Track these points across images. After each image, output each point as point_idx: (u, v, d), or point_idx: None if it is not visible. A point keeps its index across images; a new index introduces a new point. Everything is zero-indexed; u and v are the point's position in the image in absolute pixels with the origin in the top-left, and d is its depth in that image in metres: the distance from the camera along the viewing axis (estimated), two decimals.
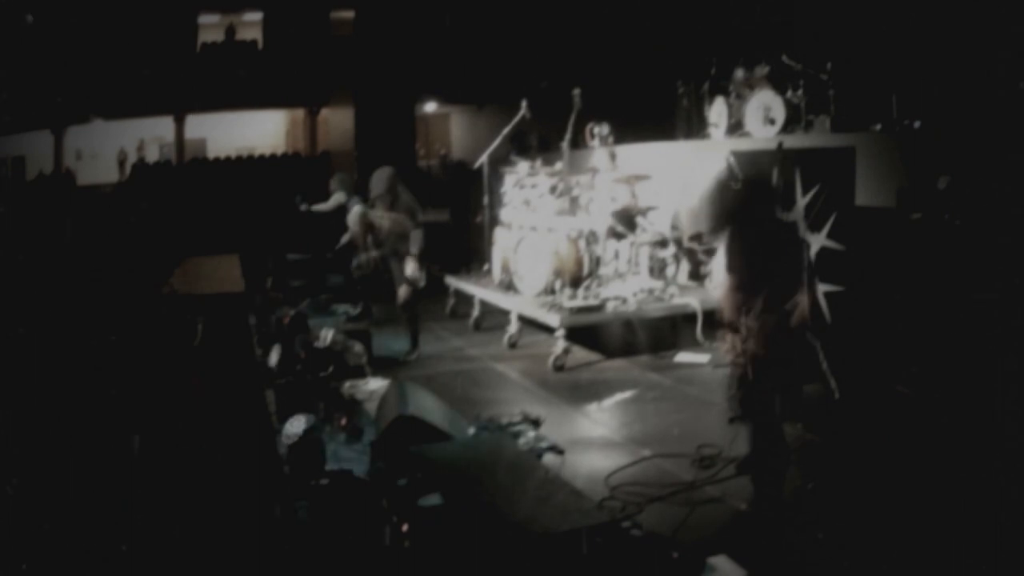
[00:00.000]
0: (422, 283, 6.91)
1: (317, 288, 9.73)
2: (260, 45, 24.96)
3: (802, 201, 5.46)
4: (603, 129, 7.63)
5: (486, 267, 8.58)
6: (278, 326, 6.44)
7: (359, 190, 9.21)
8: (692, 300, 6.98)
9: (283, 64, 23.30)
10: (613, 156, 7.61)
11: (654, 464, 4.47)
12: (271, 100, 24.22)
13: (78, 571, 3.48)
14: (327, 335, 6.05)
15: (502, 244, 7.92)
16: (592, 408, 5.59)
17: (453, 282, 8.67)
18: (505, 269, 7.78)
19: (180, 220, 14.63)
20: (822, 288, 5.30)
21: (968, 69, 7.42)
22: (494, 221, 8.35)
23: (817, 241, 5.34)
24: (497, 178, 8.42)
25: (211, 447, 4.68)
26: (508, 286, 7.73)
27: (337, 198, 9.53)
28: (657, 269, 7.29)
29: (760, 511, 3.67)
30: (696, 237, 7.36)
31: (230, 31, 24.84)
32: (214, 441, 4.81)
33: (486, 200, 8.45)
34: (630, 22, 13.36)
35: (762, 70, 9.68)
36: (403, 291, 6.91)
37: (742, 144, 8.26)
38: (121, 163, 23.40)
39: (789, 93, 9.24)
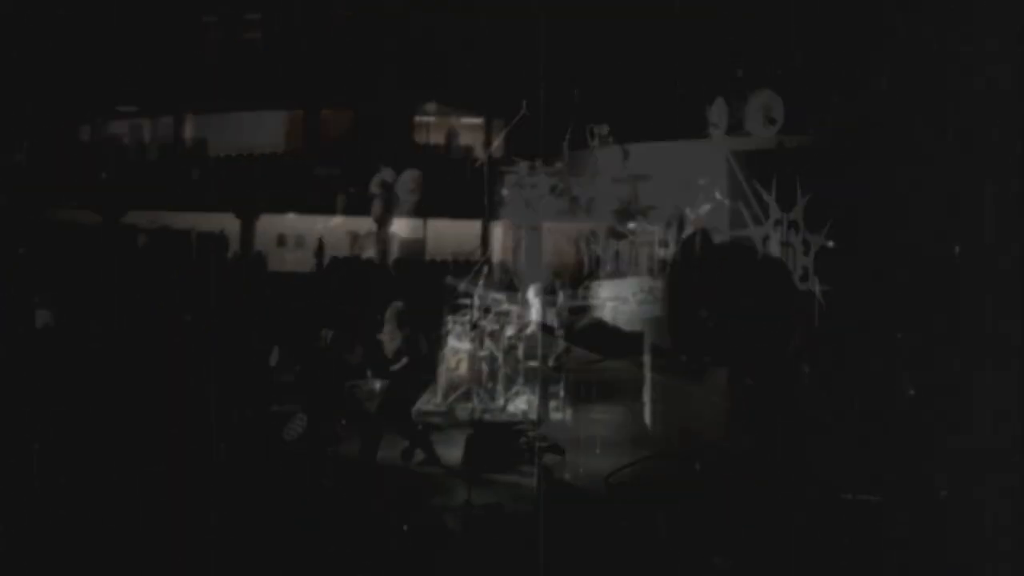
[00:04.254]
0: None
1: None
2: (260, 45, 24.94)
3: (802, 202, 5.47)
4: (603, 129, 7.64)
5: (486, 267, 8.56)
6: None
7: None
8: None
9: (283, 64, 23.26)
10: (614, 155, 7.61)
11: (654, 464, 4.48)
12: (271, 100, 24.17)
13: None
14: (327, 335, 6.03)
15: (502, 244, 7.92)
16: (592, 408, 5.58)
17: (454, 282, 8.64)
18: (505, 269, 7.78)
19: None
20: (821, 288, 5.32)
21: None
22: (494, 221, 8.34)
23: (816, 241, 5.35)
24: (497, 178, 8.41)
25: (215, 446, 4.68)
26: (508, 286, 7.72)
27: None
28: (657, 269, 7.29)
29: (759, 511, 3.67)
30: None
31: (230, 31, 24.84)
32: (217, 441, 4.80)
33: (486, 200, 8.44)
34: (631, 22, 13.33)
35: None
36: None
37: (742, 144, 8.24)
38: None
39: None
